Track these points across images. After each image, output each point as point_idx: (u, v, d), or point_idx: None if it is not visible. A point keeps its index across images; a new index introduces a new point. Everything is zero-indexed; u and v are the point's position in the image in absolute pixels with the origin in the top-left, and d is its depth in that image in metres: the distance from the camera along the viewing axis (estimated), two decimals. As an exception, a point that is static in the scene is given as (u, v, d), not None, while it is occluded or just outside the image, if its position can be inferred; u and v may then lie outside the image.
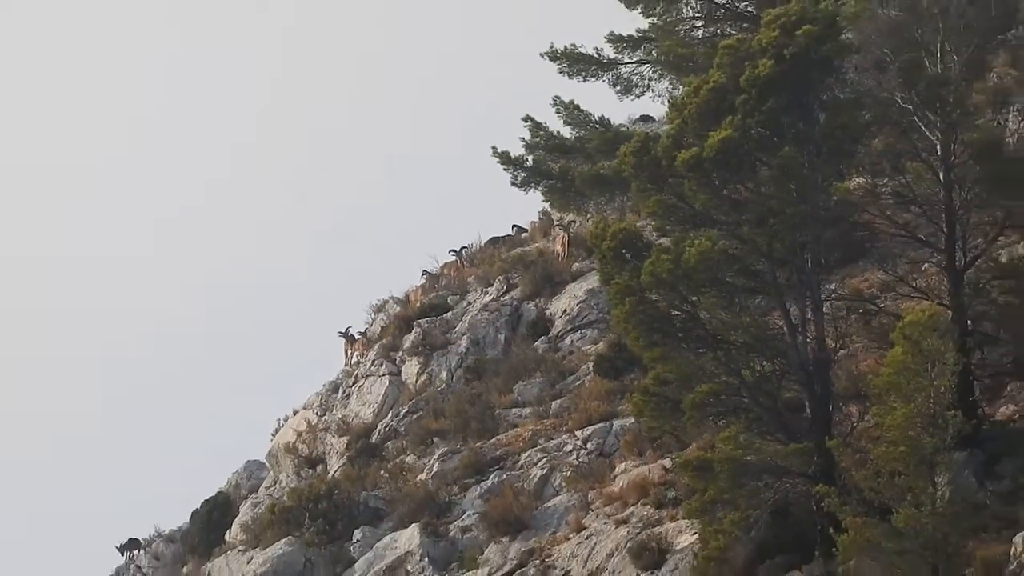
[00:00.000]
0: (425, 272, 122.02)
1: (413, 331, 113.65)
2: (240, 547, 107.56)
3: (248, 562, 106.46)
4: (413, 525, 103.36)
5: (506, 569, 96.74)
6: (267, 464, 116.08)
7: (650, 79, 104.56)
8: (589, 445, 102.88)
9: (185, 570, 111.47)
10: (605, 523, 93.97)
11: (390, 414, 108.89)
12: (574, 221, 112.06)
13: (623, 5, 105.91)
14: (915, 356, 72.16)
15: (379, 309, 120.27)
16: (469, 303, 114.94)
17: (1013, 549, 72.13)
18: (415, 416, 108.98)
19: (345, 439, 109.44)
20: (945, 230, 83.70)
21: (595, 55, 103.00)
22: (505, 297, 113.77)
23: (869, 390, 77.27)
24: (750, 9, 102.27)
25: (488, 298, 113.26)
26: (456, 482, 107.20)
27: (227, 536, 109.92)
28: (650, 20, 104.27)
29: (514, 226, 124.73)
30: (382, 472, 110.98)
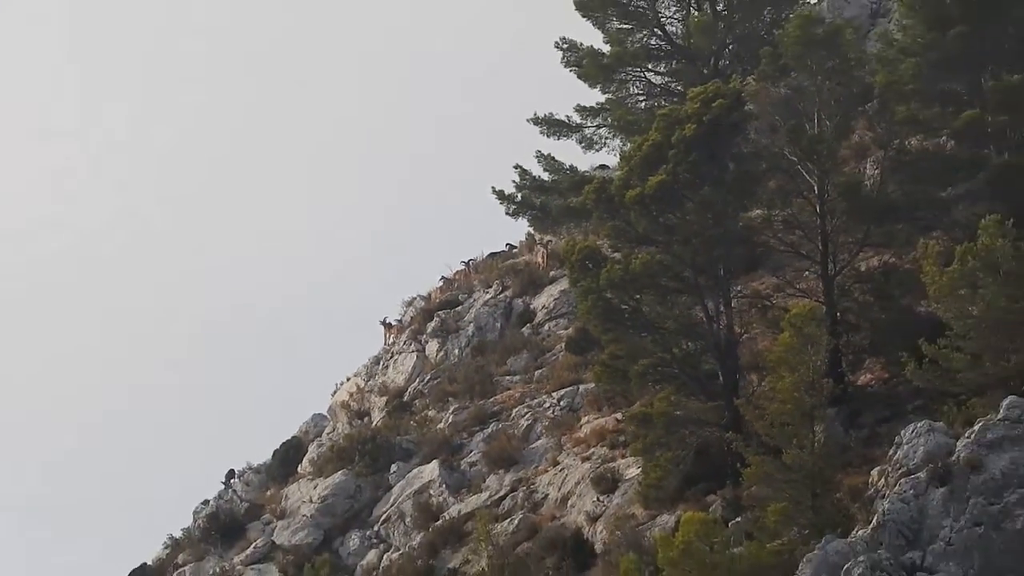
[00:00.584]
0: (443, 277, 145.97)
1: (434, 320, 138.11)
2: (308, 477, 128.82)
3: (314, 488, 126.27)
4: (434, 461, 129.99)
5: (502, 493, 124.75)
6: (328, 416, 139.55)
7: (606, 138, 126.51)
8: (562, 403, 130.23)
9: (268, 493, 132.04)
10: (574, 460, 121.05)
11: (417, 380, 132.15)
12: (551, 240, 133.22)
13: (587, 85, 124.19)
14: (798, 339, 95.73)
15: (409, 304, 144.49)
16: (474, 300, 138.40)
17: (871, 479, 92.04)
18: (435, 382, 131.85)
19: (384, 398, 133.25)
20: (820, 248, 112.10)
21: (566, 120, 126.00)
22: (501, 296, 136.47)
23: (765, 363, 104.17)
24: (679, 88, 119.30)
25: (488, 296, 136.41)
26: (465, 429, 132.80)
27: (299, 469, 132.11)
28: (606, 96, 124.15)
29: (507, 244, 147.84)
30: (411, 422, 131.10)
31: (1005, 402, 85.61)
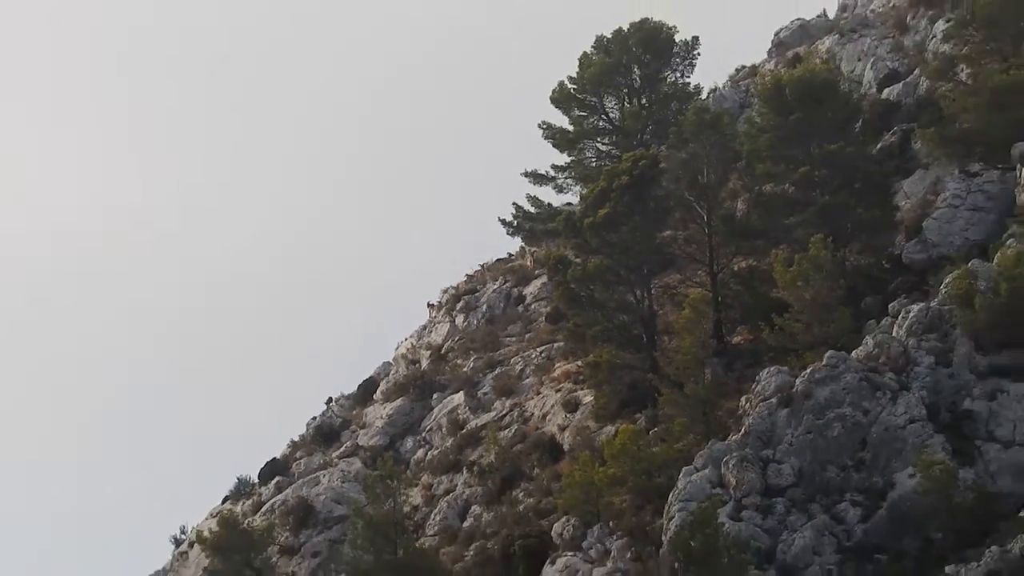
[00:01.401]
0: (466, 275, 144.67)
1: (460, 301, 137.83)
2: (379, 402, 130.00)
3: (384, 409, 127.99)
4: (460, 391, 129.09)
5: (503, 412, 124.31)
6: (392, 363, 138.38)
7: (571, 185, 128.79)
8: (543, 355, 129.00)
9: (354, 412, 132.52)
10: (550, 391, 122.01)
11: (450, 340, 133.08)
12: (535, 250, 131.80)
13: (558, 151, 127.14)
14: (694, 314, 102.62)
15: (445, 291, 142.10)
16: (487, 289, 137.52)
17: (740, 403, 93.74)
18: (461, 341, 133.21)
19: (429, 352, 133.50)
20: (708, 256, 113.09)
21: (545, 174, 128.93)
22: (504, 286, 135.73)
23: (673, 330, 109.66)
24: (617, 153, 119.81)
25: (495, 286, 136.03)
26: (480, 372, 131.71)
27: (374, 396, 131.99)
28: (571, 158, 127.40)
29: (508, 253, 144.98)
30: (446, 367, 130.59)
31: (827, 355, 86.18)
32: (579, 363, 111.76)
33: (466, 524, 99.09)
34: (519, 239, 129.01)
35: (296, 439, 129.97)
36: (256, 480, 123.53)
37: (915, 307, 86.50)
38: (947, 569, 72.43)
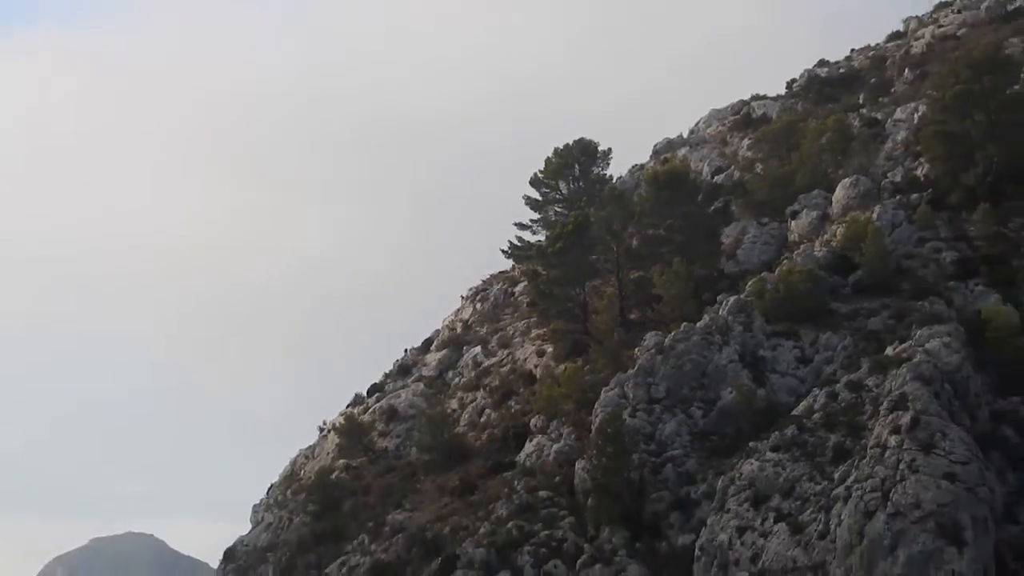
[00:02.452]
0: (481, 279, 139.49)
1: (479, 295, 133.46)
2: (434, 351, 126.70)
3: (436, 355, 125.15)
4: (479, 345, 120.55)
5: (501, 357, 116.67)
6: (441, 330, 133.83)
7: (541, 230, 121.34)
8: (525, 325, 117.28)
9: (419, 357, 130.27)
10: (531, 345, 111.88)
11: (476, 317, 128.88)
12: (522, 267, 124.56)
13: (532, 211, 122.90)
14: (609, 302, 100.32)
15: (470, 289, 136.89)
16: (493, 287, 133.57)
17: (636, 353, 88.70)
18: (479, 319, 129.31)
19: (460, 323, 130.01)
20: (616, 269, 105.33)
21: (526, 224, 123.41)
22: (503, 286, 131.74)
23: (598, 311, 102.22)
24: (565, 212, 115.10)
25: (499, 286, 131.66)
26: (490, 335, 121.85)
27: (431, 348, 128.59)
28: (540, 215, 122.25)
29: (508, 269, 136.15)
30: (470, 332, 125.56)
31: (683, 325, 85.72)
32: (544, 330, 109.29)
33: (482, 419, 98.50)
34: (512, 260, 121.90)
35: (387, 371, 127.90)
36: (365, 394, 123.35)
37: (731, 298, 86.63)
38: (750, 444, 72.92)
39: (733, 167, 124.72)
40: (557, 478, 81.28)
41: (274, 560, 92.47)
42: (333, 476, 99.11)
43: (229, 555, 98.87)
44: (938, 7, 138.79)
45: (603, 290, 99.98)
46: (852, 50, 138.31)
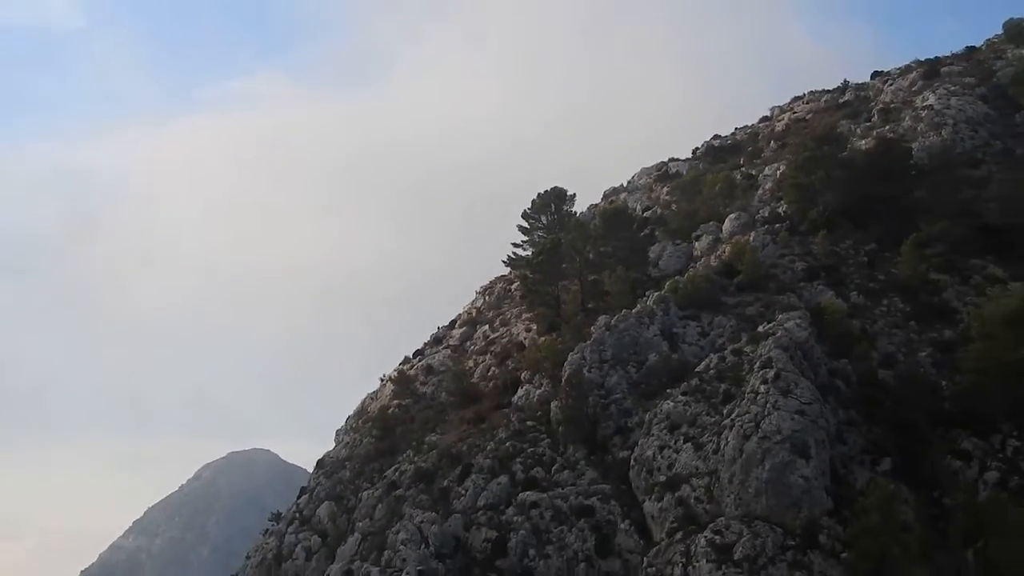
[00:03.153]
0: (489, 280, 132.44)
1: (487, 290, 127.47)
2: (457, 328, 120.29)
3: (458, 331, 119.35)
4: (487, 324, 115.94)
5: (503, 333, 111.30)
6: (462, 314, 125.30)
7: (527, 248, 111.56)
8: (517, 312, 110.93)
9: (446, 332, 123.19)
10: (520, 324, 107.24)
11: (485, 305, 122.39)
12: (517, 272, 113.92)
13: (523, 234, 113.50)
14: (573, 296, 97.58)
15: (481, 287, 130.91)
16: (496, 286, 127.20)
17: (591, 329, 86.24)
18: (487, 307, 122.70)
19: (475, 310, 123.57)
20: (580, 275, 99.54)
21: (519, 243, 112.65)
22: (502, 285, 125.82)
23: (567, 302, 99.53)
24: (546, 236, 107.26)
25: (501, 285, 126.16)
26: (494, 318, 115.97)
27: (455, 326, 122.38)
28: (527, 238, 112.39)
29: (507, 273, 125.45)
30: (481, 315, 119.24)
31: (623, 312, 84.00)
32: (531, 314, 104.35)
33: (488, 374, 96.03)
34: (510, 267, 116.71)
35: (426, 341, 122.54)
36: (411, 356, 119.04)
37: (655, 293, 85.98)
38: (667, 391, 73.41)
39: (656, 206, 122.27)
40: (539, 413, 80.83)
41: (349, 467, 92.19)
42: (389, 411, 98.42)
43: (320, 463, 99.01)
44: (793, 100, 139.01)
45: (570, 288, 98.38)
46: (736, 128, 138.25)
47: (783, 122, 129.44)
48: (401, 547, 68.63)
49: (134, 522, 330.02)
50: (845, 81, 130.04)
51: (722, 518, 61.93)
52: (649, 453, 69.29)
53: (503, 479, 74.22)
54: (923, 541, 57.40)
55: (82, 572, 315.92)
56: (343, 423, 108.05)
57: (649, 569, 62.81)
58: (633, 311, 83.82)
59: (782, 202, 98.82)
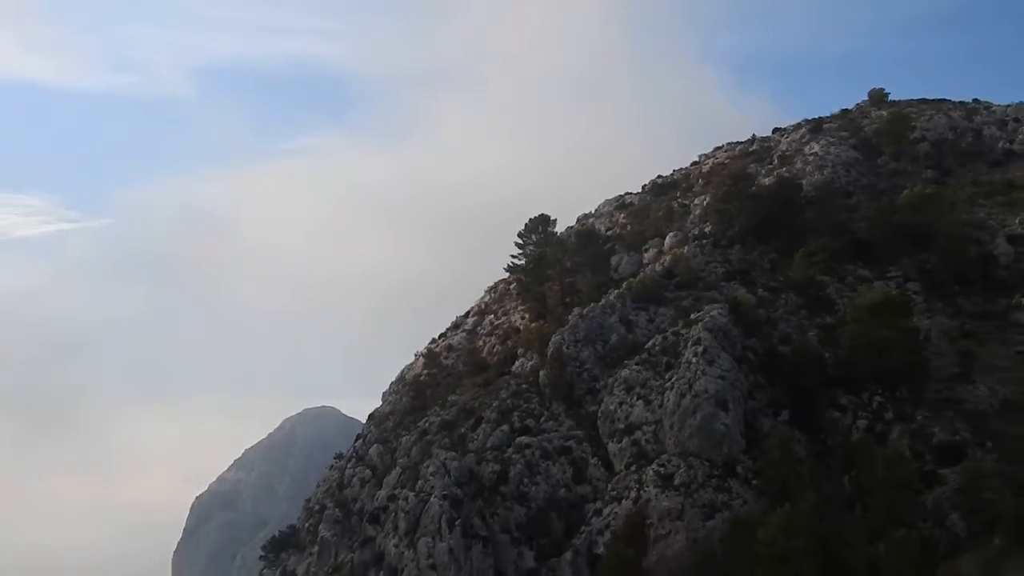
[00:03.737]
0: (497, 282, 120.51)
1: (493, 289, 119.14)
2: (471, 317, 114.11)
3: (471, 319, 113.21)
4: (492, 313, 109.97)
5: (505, 320, 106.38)
6: (474, 306, 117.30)
7: (522, 258, 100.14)
8: (517, 304, 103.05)
9: (464, 319, 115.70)
10: (519, 313, 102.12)
11: (491, 300, 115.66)
12: (515, 276, 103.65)
13: (518, 248, 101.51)
14: (557, 295, 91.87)
15: (489, 286, 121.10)
16: (499, 286, 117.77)
17: (569, 319, 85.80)
18: (492, 301, 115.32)
19: (484, 303, 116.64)
20: (560, 277, 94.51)
21: (516, 255, 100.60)
22: (503, 286, 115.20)
23: (552, 300, 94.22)
24: (536, 251, 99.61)
25: (503, 286, 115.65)
26: (498, 309, 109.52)
27: (468, 315, 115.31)
28: (522, 251, 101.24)
29: (507, 277, 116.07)
30: (490, 308, 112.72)
31: (591, 305, 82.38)
32: (524, 307, 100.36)
33: (494, 350, 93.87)
34: (510, 272, 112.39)
35: (448, 327, 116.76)
36: (437, 337, 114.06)
37: (615, 291, 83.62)
38: (624, 362, 72.90)
39: (616, 227, 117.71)
40: (531, 379, 79.67)
41: (392, 419, 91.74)
42: (421, 378, 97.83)
43: (371, 416, 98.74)
44: (715, 149, 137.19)
45: (553, 288, 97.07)
46: (674, 170, 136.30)
47: (708, 165, 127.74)
48: (431, 477, 68.27)
49: (235, 460, 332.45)
50: (753, 135, 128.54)
51: (665, 455, 61.88)
52: (611, 407, 68.62)
53: (504, 427, 73.63)
54: (812, 471, 58.42)
55: (196, 497, 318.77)
56: (387, 387, 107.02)
57: (612, 492, 62.75)
58: (599, 304, 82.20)
59: (708, 224, 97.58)
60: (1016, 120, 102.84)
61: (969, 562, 44.81)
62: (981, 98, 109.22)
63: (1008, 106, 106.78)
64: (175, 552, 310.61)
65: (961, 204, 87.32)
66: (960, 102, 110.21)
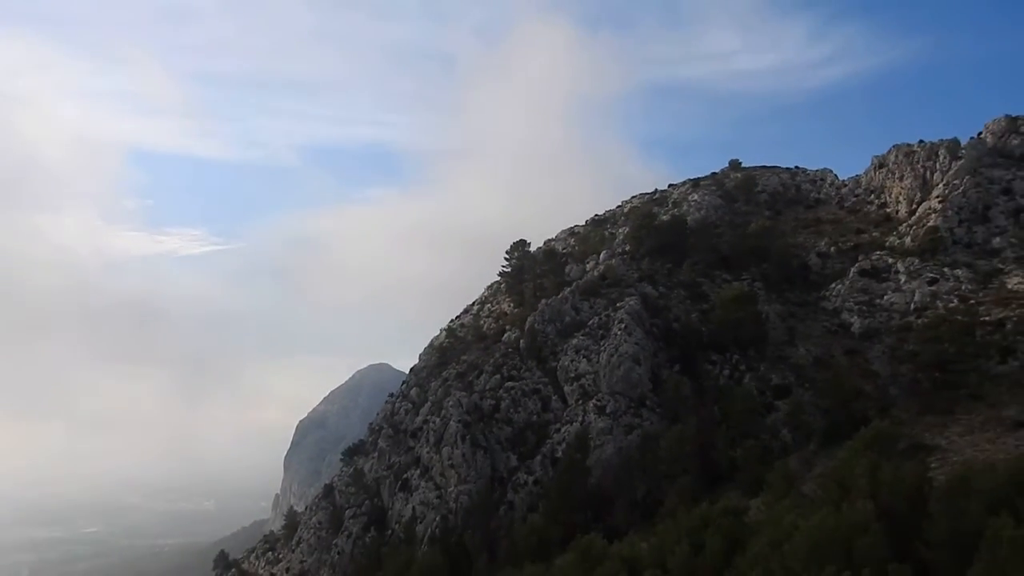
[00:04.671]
0: (492, 283, 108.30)
1: (490, 287, 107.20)
2: (475, 304, 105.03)
3: (474, 306, 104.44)
4: (486, 303, 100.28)
5: (498, 309, 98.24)
6: (477, 299, 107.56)
7: (508, 269, 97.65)
8: (506, 297, 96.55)
9: (469, 309, 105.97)
10: (508, 303, 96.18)
11: (490, 294, 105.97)
12: (504, 280, 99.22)
13: (506, 262, 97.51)
14: (531, 291, 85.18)
15: (489, 285, 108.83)
16: (495, 285, 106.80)
17: (540, 309, 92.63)
18: (491, 294, 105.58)
19: (484, 296, 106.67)
20: (533, 281, 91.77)
21: (505, 266, 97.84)
22: (498, 284, 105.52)
23: (529, 296, 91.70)
24: (520, 264, 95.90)
25: (496, 285, 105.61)
26: (492, 302, 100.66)
27: (473, 304, 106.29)
28: (508, 264, 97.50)
29: (499, 279, 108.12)
30: (490, 299, 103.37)
31: (552, 298, 78.72)
32: (510, 298, 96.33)
33: (492, 327, 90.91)
34: (501, 277, 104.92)
35: (461, 311, 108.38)
36: (454, 318, 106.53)
37: (567, 289, 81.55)
38: (574, 335, 70.70)
39: (569, 247, 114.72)
40: (515, 345, 77.98)
41: (425, 371, 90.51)
42: (443, 344, 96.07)
43: (412, 369, 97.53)
44: (632, 196, 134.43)
45: (528, 287, 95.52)
46: (606, 210, 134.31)
47: (627, 208, 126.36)
48: (450, 408, 67.47)
49: (323, 398, 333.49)
50: (656, 189, 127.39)
51: (600, 393, 61.18)
52: (566, 363, 66.61)
53: (497, 376, 72.31)
54: (695, 403, 58.15)
55: (299, 421, 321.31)
56: (423, 350, 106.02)
57: (566, 418, 62.33)
58: (558, 297, 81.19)
59: (627, 245, 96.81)
60: (821, 180, 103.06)
61: (794, 460, 44.66)
62: (800, 165, 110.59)
63: (816, 170, 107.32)
64: (285, 457, 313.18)
65: (787, 232, 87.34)
66: (786, 168, 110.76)
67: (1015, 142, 73.06)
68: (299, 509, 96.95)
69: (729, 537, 24.71)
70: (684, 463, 47.89)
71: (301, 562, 66.13)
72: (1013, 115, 75.96)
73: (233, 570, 72.49)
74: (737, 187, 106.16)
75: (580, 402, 61.48)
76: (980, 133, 76.38)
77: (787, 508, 25.13)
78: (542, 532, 44.84)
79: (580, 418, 59.29)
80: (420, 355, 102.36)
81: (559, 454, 56.88)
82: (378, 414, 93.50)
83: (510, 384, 69.02)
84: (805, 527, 20.93)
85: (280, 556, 71.54)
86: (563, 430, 59.79)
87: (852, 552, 19.44)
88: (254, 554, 76.92)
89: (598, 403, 59.77)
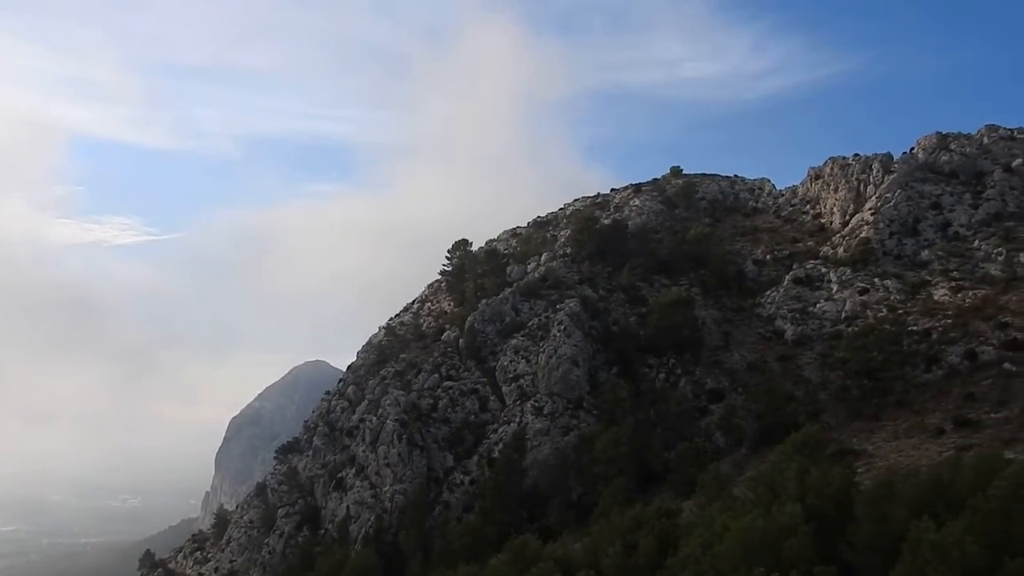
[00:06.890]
0: (434, 281, 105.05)
1: (433, 284, 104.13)
2: (417, 303, 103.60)
3: (418, 304, 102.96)
4: (441, 303, 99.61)
5: (447, 305, 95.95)
6: (420, 296, 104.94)
7: (451, 266, 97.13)
8: (446, 297, 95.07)
9: (414, 306, 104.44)
10: (449, 302, 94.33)
11: (431, 292, 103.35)
12: (448, 279, 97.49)
13: (448, 260, 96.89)
14: (471, 291, 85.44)
15: (431, 283, 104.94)
16: (440, 283, 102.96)
17: (480, 303, 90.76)
18: (432, 292, 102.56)
19: (425, 294, 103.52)
20: (474, 280, 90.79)
21: (446, 264, 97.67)
22: (441, 283, 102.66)
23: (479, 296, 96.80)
24: (454, 262, 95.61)
25: (440, 283, 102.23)
26: (436, 298, 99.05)
27: (415, 300, 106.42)
28: (451, 262, 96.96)
29: (440, 278, 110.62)
30: (431, 296, 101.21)
31: (494, 298, 77.15)
32: (452, 297, 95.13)
33: (433, 325, 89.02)
34: (442, 276, 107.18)
35: (401, 309, 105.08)
36: (393, 316, 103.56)
37: (508, 289, 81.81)
38: (514, 335, 70.26)
39: (511, 248, 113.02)
40: (454, 344, 76.85)
41: (363, 369, 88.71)
42: (382, 342, 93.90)
43: (349, 367, 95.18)
44: (575, 200, 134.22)
45: (469, 286, 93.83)
46: (548, 212, 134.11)
47: (569, 211, 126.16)
48: (388, 408, 66.14)
49: (258, 394, 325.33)
50: (598, 192, 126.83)
51: (538, 394, 60.96)
52: (505, 363, 66.73)
53: (436, 375, 71.42)
54: (632, 405, 57.96)
55: (232, 418, 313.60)
56: (360, 348, 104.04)
57: (504, 418, 61.90)
58: (498, 297, 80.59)
59: (568, 247, 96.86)
60: (759, 189, 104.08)
61: (726, 463, 45.01)
62: (739, 174, 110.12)
63: (755, 180, 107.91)
64: (217, 454, 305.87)
65: (725, 239, 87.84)
66: (726, 176, 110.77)
67: (944, 158, 73.47)
68: (230, 508, 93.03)
69: (662, 538, 25.04)
70: (619, 464, 47.85)
71: (231, 562, 63.65)
72: (944, 132, 76.68)
73: (160, 570, 69.21)
74: (678, 194, 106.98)
75: (518, 403, 60.74)
76: (912, 148, 76.80)
77: (719, 510, 25.27)
78: (477, 532, 44.20)
79: (518, 419, 58.59)
80: (358, 353, 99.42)
81: (496, 454, 56.14)
82: (314, 412, 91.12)
83: (448, 383, 68.92)
84: (736, 529, 21.06)
85: (209, 555, 68.65)
86: (500, 430, 59.05)
87: (781, 553, 19.70)
88: (182, 553, 73.40)
89: (536, 404, 59.03)
